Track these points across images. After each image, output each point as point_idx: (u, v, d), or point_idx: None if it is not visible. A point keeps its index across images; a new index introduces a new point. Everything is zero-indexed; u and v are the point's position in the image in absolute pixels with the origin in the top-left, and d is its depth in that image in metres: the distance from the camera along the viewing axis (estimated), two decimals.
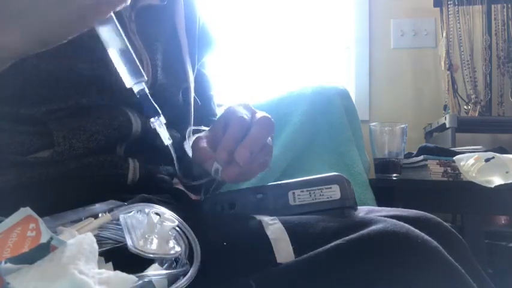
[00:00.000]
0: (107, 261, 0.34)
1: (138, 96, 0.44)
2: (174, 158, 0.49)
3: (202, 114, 0.72)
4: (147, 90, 0.44)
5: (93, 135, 0.51)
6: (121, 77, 0.45)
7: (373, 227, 0.41)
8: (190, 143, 0.55)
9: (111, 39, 0.42)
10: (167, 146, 0.60)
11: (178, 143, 0.64)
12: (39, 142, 0.50)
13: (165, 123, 0.46)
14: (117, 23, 0.43)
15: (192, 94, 0.66)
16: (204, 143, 0.51)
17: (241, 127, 0.49)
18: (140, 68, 0.43)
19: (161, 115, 0.45)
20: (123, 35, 0.43)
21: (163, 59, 0.60)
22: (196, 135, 0.54)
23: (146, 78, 0.44)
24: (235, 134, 0.49)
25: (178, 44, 0.64)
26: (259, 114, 0.52)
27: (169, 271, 0.36)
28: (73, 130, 0.50)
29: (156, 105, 0.45)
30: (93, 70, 0.51)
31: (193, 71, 0.68)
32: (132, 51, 0.43)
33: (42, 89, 0.50)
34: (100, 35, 0.42)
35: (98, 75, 0.51)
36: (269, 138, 0.52)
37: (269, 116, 0.51)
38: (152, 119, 0.45)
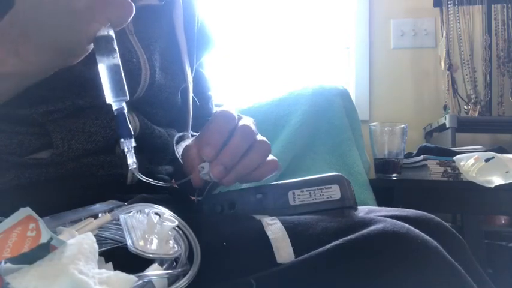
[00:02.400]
0: (107, 261, 0.34)
1: (115, 113, 0.43)
2: (144, 179, 0.48)
3: (200, 114, 0.72)
4: (125, 110, 0.43)
5: (92, 136, 0.51)
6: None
7: (373, 227, 0.41)
8: (180, 149, 0.55)
9: (103, 54, 0.42)
10: (165, 145, 0.61)
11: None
12: (38, 143, 0.50)
13: (134, 147, 0.45)
14: (114, 39, 0.42)
15: (191, 94, 0.66)
16: (192, 152, 0.50)
17: (226, 120, 0.48)
18: (125, 86, 0.42)
19: (133, 137, 0.44)
20: (116, 51, 0.42)
21: (161, 59, 0.60)
22: (185, 144, 0.53)
23: (128, 98, 0.43)
24: (219, 127, 0.48)
25: (176, 44, 0.64)
26: (242, 121, 0.51)
27: (169, 271, 0.36)
28: (71, 131, 0.50)
29: (130, 127, 0.44)
30: (90, 71, 0.51)
31: (191, 71, 0.68)
32: (121, 69, 0.42)
33: (40, 90, 0.50)
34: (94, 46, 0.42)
35: (95, 75, 0.51)
36: (262, 137, 0.51)
37: (249, 125, 0.50)
38: (122, 139, 0.44)
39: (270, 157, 0.52)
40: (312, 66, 2.09)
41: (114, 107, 0.42)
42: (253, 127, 0.51)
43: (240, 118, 0.52)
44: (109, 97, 0.42)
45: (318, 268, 0.38)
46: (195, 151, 0.49)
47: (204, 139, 0.48)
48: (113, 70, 0.42)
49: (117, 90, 0.42)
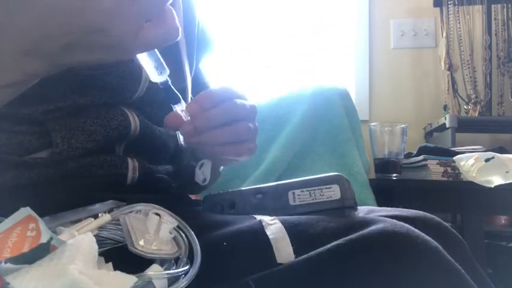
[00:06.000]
0: (107, 261, 0.34)
1: (161, 86, 0.48)
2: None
3: None
4: (169, 81, 0.48)
5: (92, 135, 0.51)
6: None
7: (373, 227, 0.41)
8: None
9: None
10: (165, 145, 0.61)
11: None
12: (38, 142, 0.50)
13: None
14: None
15: (189, 95, 0.67)
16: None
17: (226, 88, 0.52)
18: (163, 62, 0.46)
19: (181, 100, 0.50)
20: None
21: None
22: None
23: (169, 71, 0.47)
24: (214, 90, 0.52)
25: (176, 45, 0.64)
26: (239, 100, 0.53)
27: (169, 271, 0.36)
28: (71, 130, 0.50)
29: (177, 93, 0.50)
30: (91, 70, 0.51)
31: (190, 72, 0.68)
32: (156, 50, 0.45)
33: (40, 89, 0.49)
34: None
35: (96, 75, 0.51)
36: (254, 123, 0.54)
37: (241, 104, 0.52)
38: (175, 105, 0.50)
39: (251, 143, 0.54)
40: (312, 66, 2.09)
41: (159, 81, 0.47)
42: (246, 105, 0.53)
43: (241, 96, 0.54)
44: (154, 76, 0.47)
45: (318, 268, 0.39)
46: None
47: (199, 96, 0.51)
48: (150, 53, 0.45)
49: (159, 68, 0.46)
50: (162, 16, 0.38)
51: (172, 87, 0.49)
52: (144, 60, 0.45)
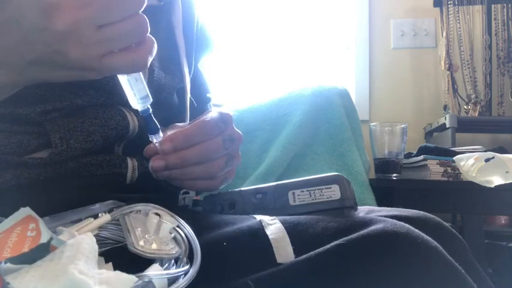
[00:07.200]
0: (107, 261, 0.34)
1: (141, 114, 0.45)
2: None
3: (198, 115, 0.72)
4: (150, 110, 0.45)
5: (90, 136, 0.51)
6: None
7: (373, 227, 0.41)
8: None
9: None
10: None
11: None
12: (36, 142, 0.50)
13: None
14: None
15: (188, 95, 0.67)
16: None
17: (204, 130, 0.49)
18: (147, 91, 0.44)
19: (160, 131, 0.48)
20: None
21: (159, 58, 0.60)
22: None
23: (152, 100, 0.44)
24: (193, 133, 0.49)
25: (175, 45, 0.64)
26: (217, 138, 0.50)
27: (169, 271, 0.36)
28: (70, 131, 0.50)
29: (157, 123, 0.47)
30: None
31: (189, 72, 0.68)
32: (142, 76, 0.43)
33: (37, 89, 0.50)
34: None
35: None
36: (238, 152, 0.53)
37: (216, 145, 0.50)
38: (152, 135, 0.48)
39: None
40: (312, 66, 2.09)
41: (140, 109, 0.45)
42: (226, 141, 0.50)
43: (222, 131, 0.51)
44: (134, 103, 0.44)
45: (318, 268, 0.39)
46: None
47: (174, 134, 0.49)
48: (134, 79, 0.42)
49: (142, 96, 0.43)
50: (137, 44, 0.37)
51: (153, 117, 0.46)
52: (124, 83, 0.43)
